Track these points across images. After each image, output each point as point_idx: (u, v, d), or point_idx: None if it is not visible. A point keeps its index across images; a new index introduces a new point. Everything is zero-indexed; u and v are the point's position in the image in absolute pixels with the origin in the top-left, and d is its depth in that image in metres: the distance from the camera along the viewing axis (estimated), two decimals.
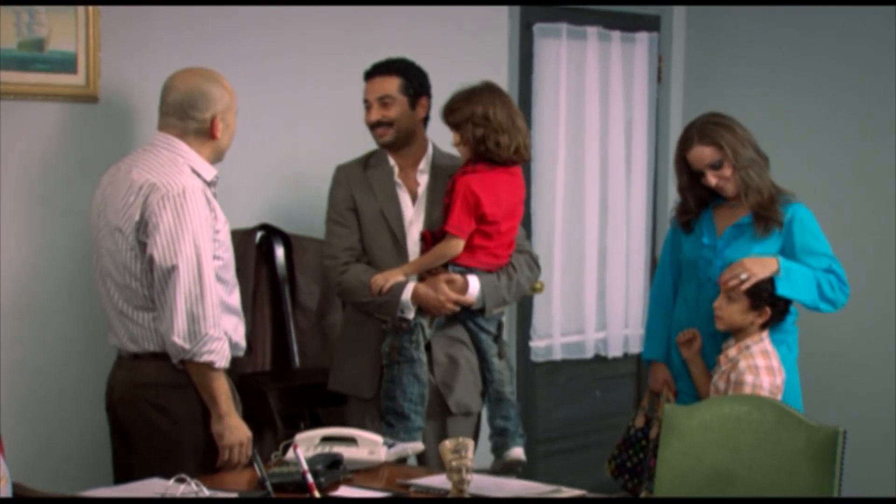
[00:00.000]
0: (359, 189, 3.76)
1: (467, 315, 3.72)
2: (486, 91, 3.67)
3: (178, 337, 3.18)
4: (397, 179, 3.77)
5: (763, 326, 3.62)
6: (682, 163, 3.77)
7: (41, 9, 3.66)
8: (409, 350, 3.62)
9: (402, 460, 3.43)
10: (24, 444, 3.64)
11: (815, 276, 3.65)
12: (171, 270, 3.17)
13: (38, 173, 3.74)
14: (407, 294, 3.62)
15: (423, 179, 3.79)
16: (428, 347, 3.69)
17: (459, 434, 3.62)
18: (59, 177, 3.77)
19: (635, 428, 3.95)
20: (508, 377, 3.80)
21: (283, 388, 3.96)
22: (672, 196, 4.13)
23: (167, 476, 2.87)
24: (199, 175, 3.32)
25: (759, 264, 3.59)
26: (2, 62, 3.60)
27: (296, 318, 4.15)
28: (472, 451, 2.74)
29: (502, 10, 4.91)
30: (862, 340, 5.05)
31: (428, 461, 3.66)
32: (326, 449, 3.16)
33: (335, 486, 2.98)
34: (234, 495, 2.86)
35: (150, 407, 3.29)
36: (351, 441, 3.21)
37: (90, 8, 3.74)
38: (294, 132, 4.29)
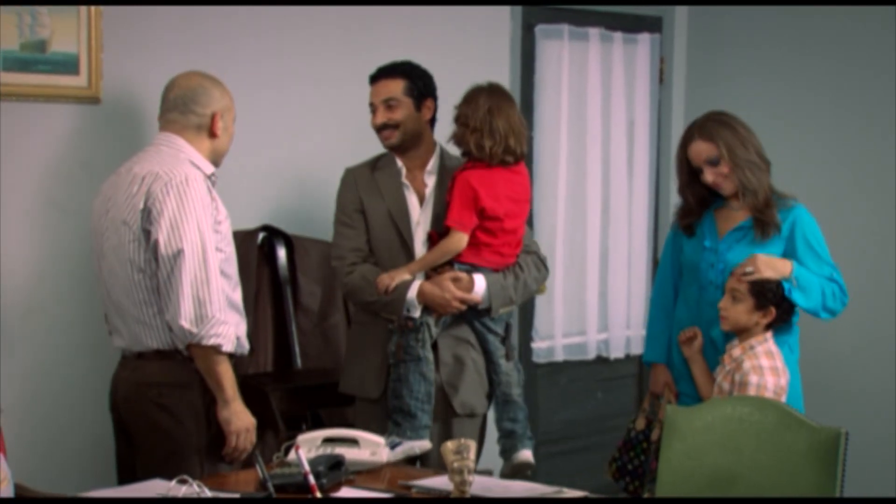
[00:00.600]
0: (366, 190, 3.76)
1: (474, 315, 3.72)
2: (475, 91, 3.69)
3: (185, 320, 3.19)
4: (405, 181, 3.77)
5: (768, 327, 3.62)
6: (684, 160, 3.77)
7: (43, 10, 3.66)
8: (416, 348, 3.62)
9: (408, 460, 3.43)
10: (29, 445, 3.64)
11: (821, 284, 3.66)
12: (177, 255, 3.19)
13: (40, 175, 3.74)
14: (412, 292, 3.62)
15: (430, 181, 3.79)
16: (434, 347, 3.69)
17: (464, 435, 3.62)
18: (62, 178, 3.77)
19: (636, 430, 3.95)
20: (517, 379, 3.78)
21: (285, 389, 3.96)
22: (674, 197, 4.13)
23: (170, 475, 2.88)
24: (198, 168, 3.35)
25: (771, 266, 3.59)
26: (4, 63, 3.60)
27: (297, 319, 4.16)
28: (473, 453, 2.74)
29: (504, 12, 4.91)
30: (863, 341, 5.04)
31: (431, 462, 3.66)
32: (328, 450, 3.17)
33: (337, 487, 2.98)
34: (235, 496, 2.86)
35: (154, 406, 3.30)
36: (353, 442, 3.21)
37: (92, 9, 3.74)
38: (296, 133, 4.29)
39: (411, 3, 4.54)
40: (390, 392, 3.65)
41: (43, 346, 3.76)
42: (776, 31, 5.31)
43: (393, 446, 3.34)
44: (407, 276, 3.63)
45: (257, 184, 4.18)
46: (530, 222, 5.07)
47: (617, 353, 5.47)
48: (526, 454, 3.72)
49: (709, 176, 3.71)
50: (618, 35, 5.37)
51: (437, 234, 3.68)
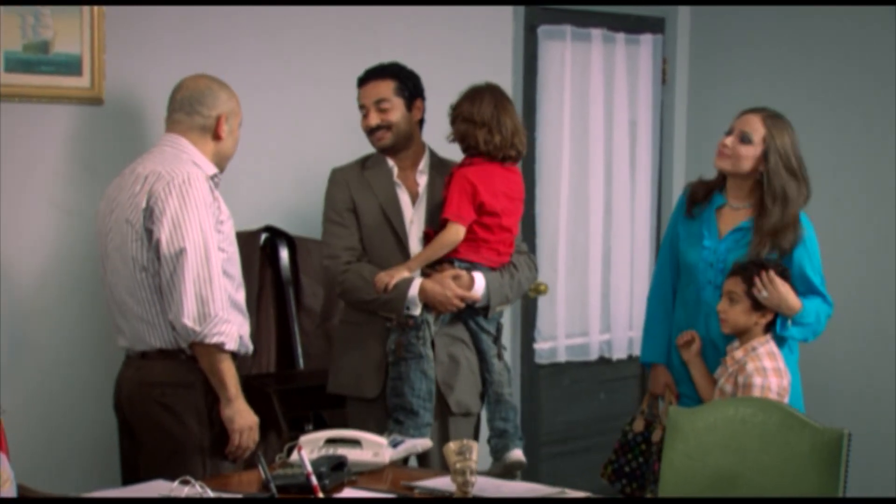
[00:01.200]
0: (358, 189, 3.77)
1: (469, 314, 3.73)
2: (478, 89, 3.73)
3: (189, 319, 3.19)
4: (397, 180, 3.78)
5: (767, 328, 3.62)
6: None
7: (46, 11, 3.67)
8: (417, 346, 3.63)
9: (405, 458, 3.43)
10: (32, 446, 3.64)
11: (817, 312, 3.67)
12: (180, 254, 3.19)
13: (43, 175, 3.74)
14: (414, 290, 3.62)
15: (422, 180, 3.80)
16: (431, 345, 3.69)
17: (460, 435, 3.64)
18: (65, 179, 3.77)
19: (634, 432, 3.94)
20: (507, 379, 3.80)
21: (288, 390, 3.96)
22: (676, 198, 4.12)
23: (173, 474, 2.87)
24: (200, 169, 3.35)
25: (784, 302, 3.57)
26: (7, 64, 3.61)
27: (300, 320, 4.16)
28: (476, 454, 2.74)
29: (506, 12, 4.91)
30: (863, 342, 5.03)
31: (429, 461, 3.66)
32: (331, 451, 3.17)
33: (339, 487, 2.98)
34: (238, 497, 2.86)
35: (157, 406, 3.30)
36: (355, 443, 3.21)
37: (95, 10, 3.74)
38: (298, 134, 4.29)
39: (413, 4, 4.54)
40: (390, 390, 3.65)
41: (46, 347, 3.76)
42: (779, 32, 5.30)
43: (395, 444, 3.34)
44: (406, 274, 3.63)
45: (259, 185, 4.18)
46: (532, 223, 5.10)
47: (619, 354, 5.46)
48: (517, 453, 3.73)
49: (728, 141, 3.70)
50: (620, 36, 5.37)
51: (434, 232, 3.69)
